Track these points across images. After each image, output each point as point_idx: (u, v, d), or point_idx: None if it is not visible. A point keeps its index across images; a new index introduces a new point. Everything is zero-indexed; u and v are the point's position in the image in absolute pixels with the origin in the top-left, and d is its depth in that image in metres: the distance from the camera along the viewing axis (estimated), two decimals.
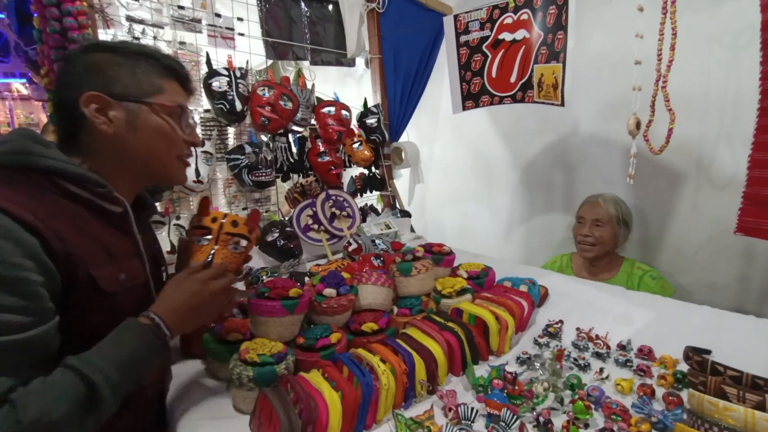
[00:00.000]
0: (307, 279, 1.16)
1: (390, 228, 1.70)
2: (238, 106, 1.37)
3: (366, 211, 1.85)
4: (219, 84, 1.37)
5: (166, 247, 1.20)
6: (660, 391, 0.78)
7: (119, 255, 0.68)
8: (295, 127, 1.65)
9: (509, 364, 0.89)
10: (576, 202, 1.82)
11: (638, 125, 1.14)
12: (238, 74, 1.41)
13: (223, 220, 0.84)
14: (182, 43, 1.37)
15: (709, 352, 0.87)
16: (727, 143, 1.47)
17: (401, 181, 2.20)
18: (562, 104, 1.34)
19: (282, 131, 1.60)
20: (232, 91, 1.37)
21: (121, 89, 0.68)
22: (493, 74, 1.57)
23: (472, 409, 0.71)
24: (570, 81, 1.32)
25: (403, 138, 2.10)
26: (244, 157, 1.43)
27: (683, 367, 0.84)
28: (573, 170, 1.94)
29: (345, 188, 1.87)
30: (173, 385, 0.84)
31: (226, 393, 0.81)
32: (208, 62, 1.37)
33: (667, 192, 1.63)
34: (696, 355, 0.79)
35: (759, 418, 0.58)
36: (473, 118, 2.19)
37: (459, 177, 2.45)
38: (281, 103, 1.47)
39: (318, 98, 1.72)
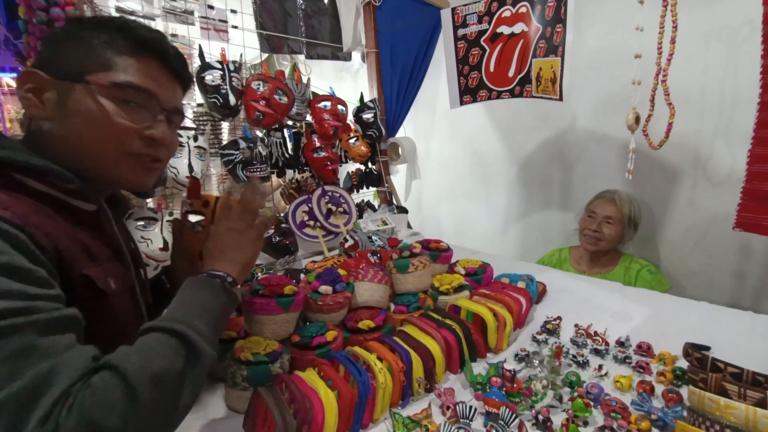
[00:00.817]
0: (302, 276, 1.14)
1: (387, 224, 1.69)
2: (232, 100, 1.34)
3: (363, 207, 1.83)
4: (212, 78, 1.34)
5: (158, 243, 1.18)
6: (659, 388, 0.77)
7: (100, 257, 0.60)
8: (290, 122, 1.63)
9: (507, 362, 0.88)
10: (574, 198, 1.81)
11: (637, 120, 1.13)
12: (231, 68, 1.38)
13: (216, 204, 0.79)
14: (174, 35, 1.34)
15: (708, 348, 0.86)
16: (724, 139, 1.47)
17: (398, 177, 2.18)
18: (560, 99, 1.33)
19: (277, 126, 1.58)
20: (226, 84, 1.35)
21: (58, 65, 0.56)
22: (491, 68, 1.55)
23: (471, 407, 0.70)
24: (568, 75, 1.31)
25: (400, 134, 2.08)
26: (238, 152, 1.41)
27: (682, 363, 0.83)
28: (571, 166, 1.93)
29: (341, 184, 1.85)
30: None
31: (219, 392, 0.79)
32: (201, 55, 1.34)
33: (665, 188, 1.63)
34: (695, 351, 0.79)
35: (761, 416, 0.57)
36: (470, 114, 2.18)
37: (456, 173, 2.44)
38: (276, 97, 1.45)
39: (314, 93, 1.70)
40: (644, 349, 0.89)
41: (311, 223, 1.55)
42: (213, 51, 1.42)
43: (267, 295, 0.81)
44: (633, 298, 1.14)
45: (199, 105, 1.41)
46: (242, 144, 1.41)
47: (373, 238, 1.48)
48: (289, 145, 1.62)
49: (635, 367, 0.84)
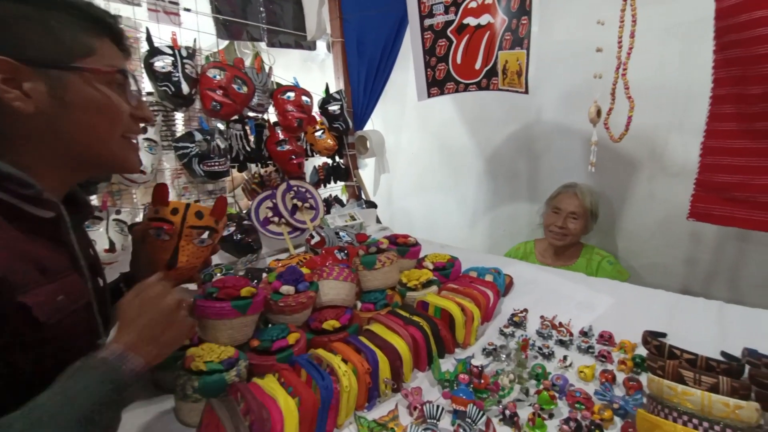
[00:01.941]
0: (264, 275, 1.09)
1: (355, 219, 1.65)
2: (185, 88, 1.25)
3: (330, 203, 1.79)
4: (162, 64, 1.24)
5: (104, 245, 1.08)
6: (621, 377, 0.79)
7: (54, 271, 0.54)
8: (251, 113, 1.54)
9: (475, 356, 0.87)
10: (540, 191, 1.84)
11: (599, 113, 1.15)
12: (184, 54, 1.29)
13: (186, 212, 0.74)
14: (117, 16, 1.22)
15: (665, 335, 0.89)
16: (678, 132, 1.53)
17: (366, 170, 2.14)
18: (526, 92, 1.33)
19: (237, 117, 1.49)
20: (178, 72, 1.25)
21: (35, 52, 0.52)
22: (458, 60, 1.54)
23: (438, 406, 0.68)
24: (534, 68, 1.31)
25: (368, 126, 2.04)
26: (194, 145, 1.31)
27: (642, 350, 0.85)
28: (537, 159, 1.96)
29: (308, 179, 1.79)
30: None
31: (170, 405, 0.73)
32: (149, 39, 1.24)
33: (624, 180, 1.69)
34: (654, 339, 0.81)
35: (715, 401, 0.58)
36: (439, 107, 2.16)
37: (425, 166, 2.43)
38: (234, 86, 1.36)
39: (277, 83, 1.62)
40: (606, 339, 0.91)
41: (276, 219, 1.49)
42: (163, 36, 1.31)
43: (222, 299, 0.76)
44: (596, 288, 1.16)
45: (149, 94, 1.31)
46: (198, 136, 1.32)
47: (341, 234, 1.44)
48: (251, 138, 1.54)
49: (598, 357, 0.85)
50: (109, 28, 0.58)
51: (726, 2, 0.95)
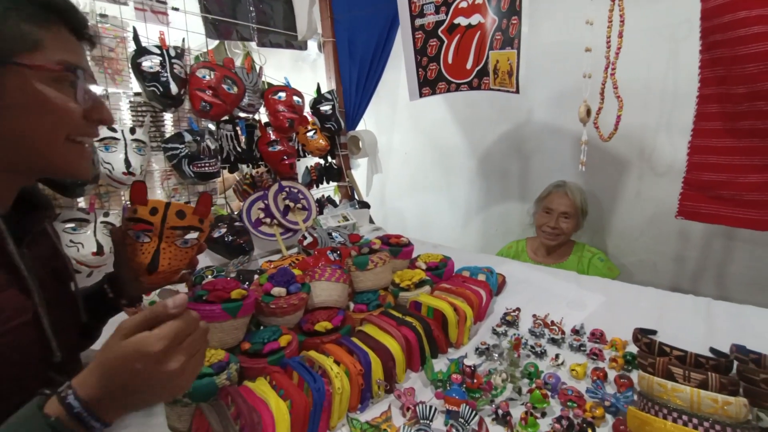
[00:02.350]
0: (256, 277, 1.08)
1: (348, 220, 1.64)
2: (174, 89, 1.23)
3: (323, 203, 1.78)
4: (150, 64, 1.22)
5: (92, 247, 1.06)
6: (612, 374, 0.79)
7: None
8: (242, 114, 1.53)
9: (468, 356, 0.87)
10: (531, 190, 1.85)
11: (588, 113, 1.16)
12: (172, 53, 1.27)
13: (167, 211, 0.69)
14: (103, 15, 1.20)
15: (654, 332, 0.90)
16: (666, 132, 1.55)
17: (359, 171, 2.14)
18: (517, 91, 1.34)
19: (227, 118, 1.48)
20: (166, 72, 1.23)
21: None
22: (449, 60, 1.54)
23: (431, 407, 0.68)
24: (524, 68, 1.32)
25: (361, 126, 2.03)
26: (183, 146, 1.30)
27: (632, 348, 0.86)
28: (528, 158, 1.98)
29: (300, 179, 1.78)
30: None
31: (160, 410, 0.72)
32: (136, 39, 1.22)
33: (614, 179, 1.70)
34: (644, 336, 0.82)
35: (704, 397, 0.59)
36: (431, 107, 2.17)
37: (418, 166, 2.44)
38: (224, 86, 1.35)
39: (268, 83, 1.61)
40: (597, 336, 0.91)
41: (268, 220, 1.48)
42: (151, 35, 1.29)
43: (212, 301, 0.75)
44: (587, 287, 1.17)
45: (137, 94, 1.29)
46: (188, 137, 1.31)
47: (334, 234, 1.43)
48: (242, 139, 1.53)
49: (589, 355, 0.86)
50: (62, 15, 0.52)
51: (711, 3, 0.97)
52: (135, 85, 1.27)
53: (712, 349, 0.83)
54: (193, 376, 0.49)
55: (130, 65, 1.23)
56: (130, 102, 1.28)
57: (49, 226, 0.66)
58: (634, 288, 1.17)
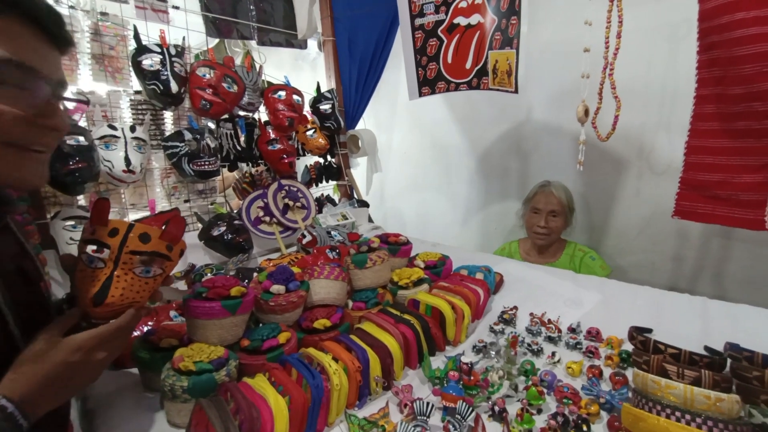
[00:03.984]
0: (255, 275, 1.08)
1: (347, 219, 1.65)
2: (174, 87, 1.24)
3: (322, 202, 1.78)
4: (150, 62, 1.23)
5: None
6: (607, 372, 0.80)
7: None
8: (242, 112, 1.54)
9: (465, 354, 0.88)
10: (530, 189, 1.86)
11: (586, 112, 1.16)
12: (173, 52, 1.27)
13: (128, 233, 0.60)
14: (104, 14, 1.21)
15: (650, 330, 0.91)
16: (665, 131, 1.56)
17: (358, 170, 2.14)
18: (516, 91, 1.35)
19: (227, 116, 1.49)
20: (166, 70, 1.24)
21: None
22: (449, 60, 1.54)
23: (428, 403, 0.69)
24: (523, 68, 1.32)
25: (360, 125, 2.04)
26: (183, 144, 1.30)
27: (628, 346, 0.87)
28: (527, 157, 1.98)
29: (299, 178, 1.78)
30: (101, 397, 0.74)
31: (161, 405, 0.72)
32: (137, 37, 1.22)
33: (613, 178, 1.71)
34: (639, 334, 0.82)
35: (697, 394, 0.60)
36: (431, 106, 2.17)
37: (418, 165, 2.44)
38: (224, 85, 1.35)
39: (268, 82, 1.61)
40: (593, 334, 0.92)
41: (267, 219, 1.48)
42: (151, 33, 1.30)
43: (212, 298, 0.75)
44: (584, 285, 1.18)
45: (137, 92, 1.29)
46: (188, 135, 1.31)
47: (333, 233, 1.44)
48: (242, 137, 1.54)
49: (585, 352, 0.87)
50: (14, 6, 0.45)
51: (708, 4, 0.97)
52: (135, 83, 1.28)
53: (706, 348, 0.83)
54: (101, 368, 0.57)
55: (130, 63, 1.23)
56: (131, 100, 1.28)
57: (12, 223, 0.59)
58: (630, 287, 1.17)
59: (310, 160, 1.88)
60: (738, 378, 0.68)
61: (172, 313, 0.89)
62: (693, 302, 1.06)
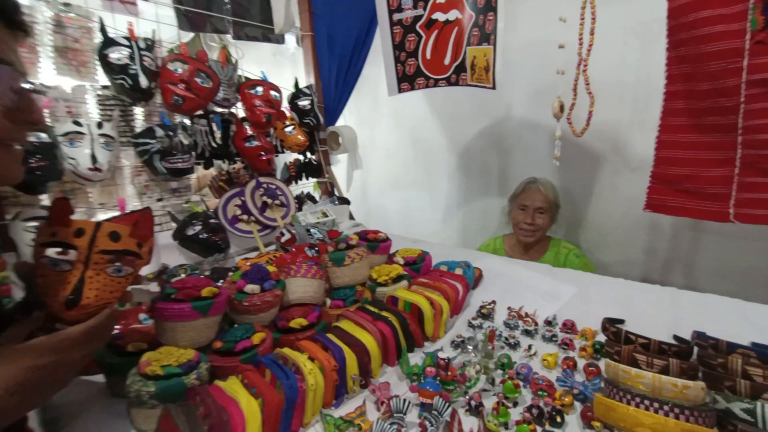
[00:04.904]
0: (230, 274, 1.06)
1: (327, 216, 1.63)
2: (143, 81, 1.19)
3: (302, 200, 1.76)
4: (118, 56, 1.18)
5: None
6: (581, 363, 0.81)
7: None
8: (217, 108, 1.50)
9: (444, 349, 0.88)
10: (510, 186, 1.88)
11: (562, 108, 1.18)
12: (142, 45, 1.23)
13: (96, 232, 0.59)
14: (66, 4, 1.15)
15: (622, 321, 0.93)
16: (639, 128, 1.59)
17: (339, 167, 2.12)
18: (494, 87, 1.35)
19: (202, 112, 1.44)
20: (135, 64, 1.19)
21: None
22: (428, 56, 1.54)
23: (405, 400, 0.68)
24: (501, 64, 1.33)
25: (341, 122, 2.02)
26: (155, 141, 1.26)
27: (602, 337, 0.88)
28: (507, 154, 2.00)
29: (279, 175, 1.75)
30: (65, 404, 0.71)
31: (126, 413, 0.70)
32: (103, 29, 1.17)
33: (589, 174, 1.74)
34: (612, 326, 0.84)
35: (665, 382, 0.61)
36: (412, 103, 2.17)
37: (400, 162, 2.44)
38: (197, 80, 1.31)
39: (245, 77, 1.58)
40: (569, 327, 0.94)
41: (245, 217, 1.45)
42: (119, 26, 1.25)
43: (181, 300, 0.73)
44: (561, 279, 1.20)
45: (104, 87, 1.24)
46: (159, 132, 1.27)
47: (312, 231, 1.42)
48: (217, 134, 1.50)
49: (560, 344, 0.88)
50: None
51: (677, 2, 1.00)
52: (103, 78, 1.22)
53: (675, 337, 0.86)
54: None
55: (97, 56, 1.18)
56: (98, 95, 1.23)
57: None
58: (605, 279, 1.20)
59: (290, 157, 1.85)
60: (704, 365, 0.70)
61: (142, 316, 0.86)
62: (664, 293, 1.09)
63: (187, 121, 1.41)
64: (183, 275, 1.08)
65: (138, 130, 1.30)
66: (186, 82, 1.29)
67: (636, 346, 0.75)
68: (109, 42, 1.17)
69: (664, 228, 1.60)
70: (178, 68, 1.29)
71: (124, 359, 0.71)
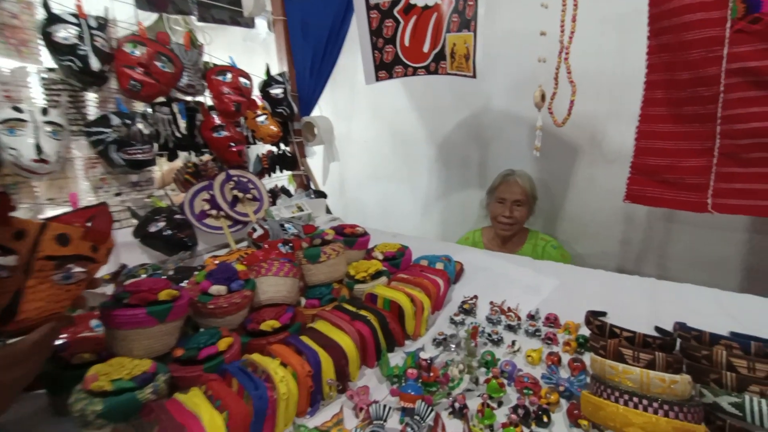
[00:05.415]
0: (194, 275, 0.98)
1: (303, 210, 1.56)
2: (95, 64, 1.08)
3: (276, 193, 1.68)
4: (65, 35, 1.07)
5: None
6: (566, 358, 0.79)
7: None
8: (181, 96, 1.39)
9: (425, 348, 0.84)
10: (490, 178, 1.86)
11: (543, 97, 1.15)
12: (93, 24, 1.11)
13: (41, 235, 0.51)
14: None
15: (605, 314, 0.92)
16: (616, 119, 1.60)
17: (315, 159, 2.05)
18: (474, 76, 1.32)
19: (164, 100, 1.34)
20: (86, 44, 1.08)
21: None
22: (406, 42, 1.48)
23: (385, 406, 0.64)
24: (481, 53, 1.29)
25: (316, 112, 1.94)
26: (110, 130, 1.15)
27: (584, 330, 0.87)
28: (487, 146, 1.98)
29: (251, 168, 1.66)
30: (5, 425, 0.63)
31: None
32: (45, 4, 1.05)
33: (567, 165, 1.74)
34: (595, 319, 0.82)
35: (653, 378, 0.59)
36: (390, 93, 2.11)
37: (379, 154, 2.38)
38: (158, 64, 1.21)
39: (213, 63, 1.47)
40: (552, 321, 0.91)
41: (214, 212, 1.36)
42: (67, 2, 1.13)
43: (135, 305, 0.65)
44: (541, 271, 1.18)
45: (51, 70, 1.12)
46: (115, 120, 1.16)
47: (287, 226, 1.35)
48: (182, 123, 1.39)
49: (544, 339, 0.86)
50: None
51: None
52: (48, 60, 1.10)
53: (657, 328, 0.85)
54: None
55: (39, 35, 1.06)
56: (43, 78, 1.11)
57: None
58: (584, 271, 1.19)
59: (262, 148, 1.76)
60: (688, 357, 0.69)
61: (94, 323, 0.77)
62: (642, 283, 1.09)
63: (149, 109, 1.30)
64: (144, 276, 0.99)
65: (91, 117, 1.19)
66: (144, 66, 1.18)
67: (621, 340, 0.73)
68: (53, 19, 1.06)
69: (640, 219, 1.62)
70: (135, 50, 1.18)
71: (68, 373, 0.63)
